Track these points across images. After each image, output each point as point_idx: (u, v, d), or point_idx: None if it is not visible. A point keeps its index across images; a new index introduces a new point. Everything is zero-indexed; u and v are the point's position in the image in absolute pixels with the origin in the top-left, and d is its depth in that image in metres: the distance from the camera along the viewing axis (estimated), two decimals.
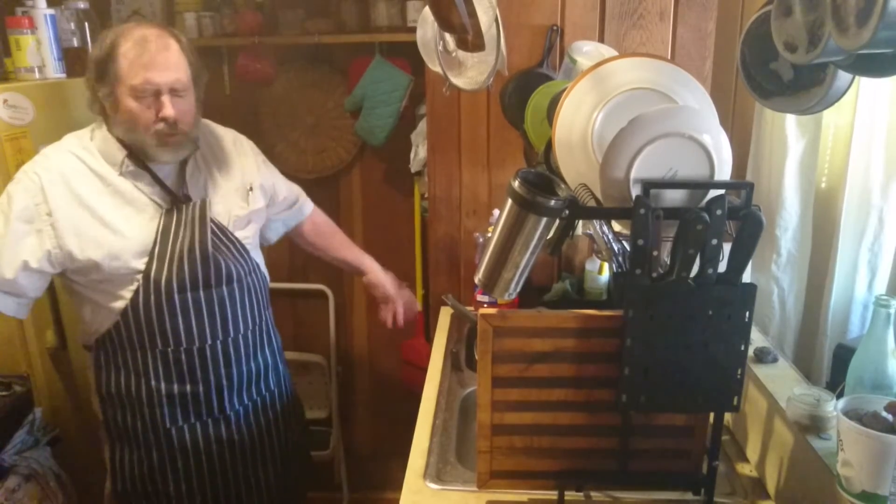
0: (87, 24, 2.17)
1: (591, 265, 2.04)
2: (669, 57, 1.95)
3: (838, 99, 1.06)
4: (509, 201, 1.07)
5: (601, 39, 1.97)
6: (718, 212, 1.01)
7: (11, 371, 1.85)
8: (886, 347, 1.12)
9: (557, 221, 1.08)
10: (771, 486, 1.28)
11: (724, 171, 1.06)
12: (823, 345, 1.63)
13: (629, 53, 1.40)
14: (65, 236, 1.47)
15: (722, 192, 1.03)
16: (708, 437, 1.18)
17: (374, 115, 2.43)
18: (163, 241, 1.53)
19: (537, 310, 1.22)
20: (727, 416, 1.44)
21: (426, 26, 1.52)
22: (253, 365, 1.70)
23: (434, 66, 1.52)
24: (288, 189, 1.88)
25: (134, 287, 1.52)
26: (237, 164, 1.71)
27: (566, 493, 1.22)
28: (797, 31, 0.92)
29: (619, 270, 1.71)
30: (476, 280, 1.16)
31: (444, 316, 2.13)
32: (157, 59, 1.44)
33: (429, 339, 2.43)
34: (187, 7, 2.41)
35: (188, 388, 1.61)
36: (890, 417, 1.00)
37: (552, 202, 1.05)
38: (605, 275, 2.02)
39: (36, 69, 1.96)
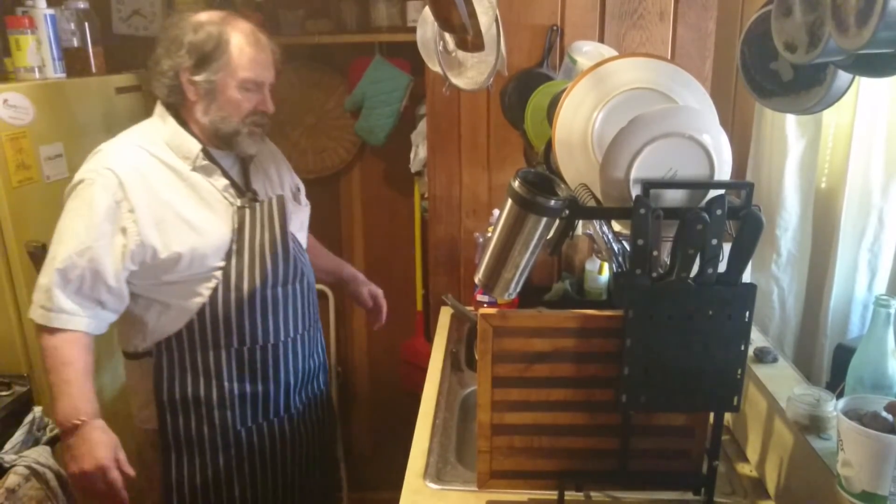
0: (87, 24, 2.17)
1: (591, 265, 2.04)
2: (669, 57, 1.95)
3: (838, 99, 1.06)
4: (509, 201, 1.07)
5: (601, 39, 1.97)
6: (718, 212, 1.01)
7: (11, 371, 1.85)
8: (886, 347, 1.12)
9: (557, 221, 1.08)
10: (771, 486, 1.28)
11: (724, 171, 1.06)
12: (823, 345, 1.63)
13: (629, 53, 1.41)
14: (148, 233, 1.44)
15: (722, 192, 1.03)
16: (708, 437, 1.18)
17: (374, 115, 2.43)
18: (240, 238, 1.52)
19: (537, 310, 1.22)
20: (727, 416, 1.44)
21: (426, 26, 1.52)
22: (310, 363, 1.72)
23: (434, 66, 1.52)
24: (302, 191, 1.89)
25: (212, 285, 1.51)
26: (284, 166, 1.75)
27: (566, 493, 1.22)
28: (797, 31, 0.92)
29: (619, 270, 1.72)
30: (476, 280, 1.16)
31: (444, 316, 2.13)
32: (266, 57, 1.51)
33: (429, 339, 2.43)
34: (187, 7, 2.41)
35: (259, 387, 1.60)
36: (890, 417, 1.00)
37: (552, 202, 1.05)
38: (605, 275, 2.02)
39: (36, 69, 1.96)
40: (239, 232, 1.52)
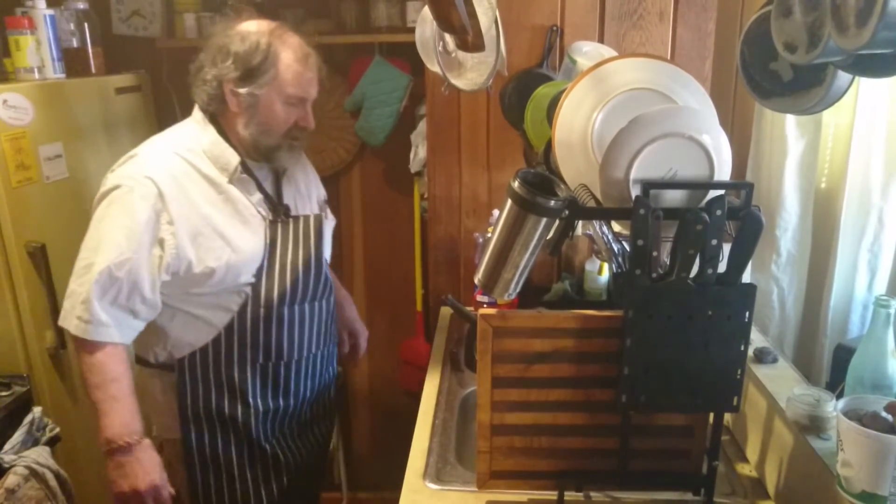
0: (86, 24, 2.17)
1: (591, 265, 2.04)
2: (669, 57, 1.95)
3: (838, 99, 1.06)
4: (509, 202, 1.07)
5: (601, 40, 1.97)
6: (718, 212, 1.01)
7: (11, 371, 1.85)
8: (886, 348, 1.12)
9: (557, 222, 1.08)
10: (771, 487, 1.28)
11: (723, 172, 1.06)
12: (823, 345, 1.63)
13: (629, 54, 1.41)
14: (185, 246, 1.41)
15: (722, 192, 1.03)
16: (708, 437, 1.18)
17: (373, 115, 2.43)
18: (271, 254, 1.50)
19: (537, 310, 1.22)
20: (727, 416, 1.44)
21: (425, 26, 1.52)
22: (326, 376, 1.72)
23: (433, 66, 1.52)
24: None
25: (241, 300, 1.48)
26: (313, 177, 1.73)
27: (566, 493, 1.22)
28: (797, 32, 0.92)
29: (619, 270, 1.72)
30: (476, 280, 1.16)
31: (444, 316, 2.13)
32: (313, 74, 1.49)
33: (429, 339, 2.43)
34: (187, 7, 2.41)
35: (281, 402, 1.59)
36: (890, 418, 1.00)
37: (552, 202, 1.05)
38: (605, 275, 2.02)
39: (35, 69, 1.96)
40: (271, 248, 1.50)
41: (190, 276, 1.43)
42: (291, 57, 1.45)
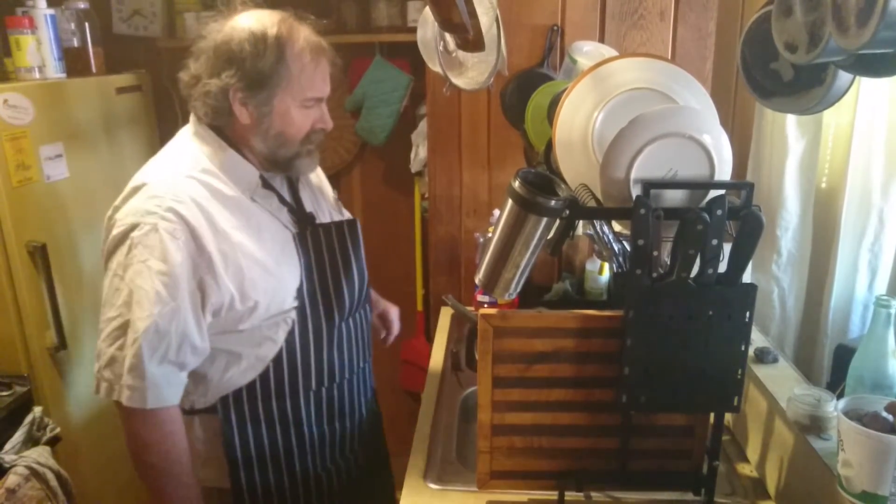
0: (87, 24, 2.17)
1: (592, 265, 2.04)
2: (670, 57, 1.95)
3: (839, 99, 1.06)
4: (509, 201, 1.07)
5: (601, 39, 1.97)
6: (719, 212, 1.01)
7: (11, 371, 1.85)
8: (887, 348, 1.12)
9: (557, 221, 1.08)
10: (771, 487, 1.27)
11: (724, 172, 1.06)
12: (824, 345, 1.63)
13: (629, 53, 1.41)
14: (226, 283, 1.23)
15: (722, 192, 1.03)
16: (708, 437, 1.18)
17: (374, 114, 2.43)
18: (308, 271, 1.34)
19: (537, 310, 1.22)
20: (727, 416, 1.44)
21: (426, 26, 1.52)
22: (370, 386, 1.57)
23: (434, 66, 1.52)
24: None
25: (288, 327, 1.32)
26: (323, 177, 1.58)
27: (566, 493, 1.22)
28: (797, 31, 0.92)
29: (620, 270, 1.71)
30: (476, 280, 1.16)
31: (444, 316, 2.13)
32: (326, 68, 1.31)
33: (429, 339, 2.43)
34: (187, 7, 2.41)
35: (336, 425, 1.45)
36: (890, 418, 1.00)
37: (552, 202, 1.05)
38: (606, 275, 2.02)
39: (36, 69, 1.96)
40: (305, 263, 1.34)
41: (232, 313, 1.26)
42: (305, 57, 1.26)
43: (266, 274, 1.28)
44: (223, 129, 1.31)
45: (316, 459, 1.43)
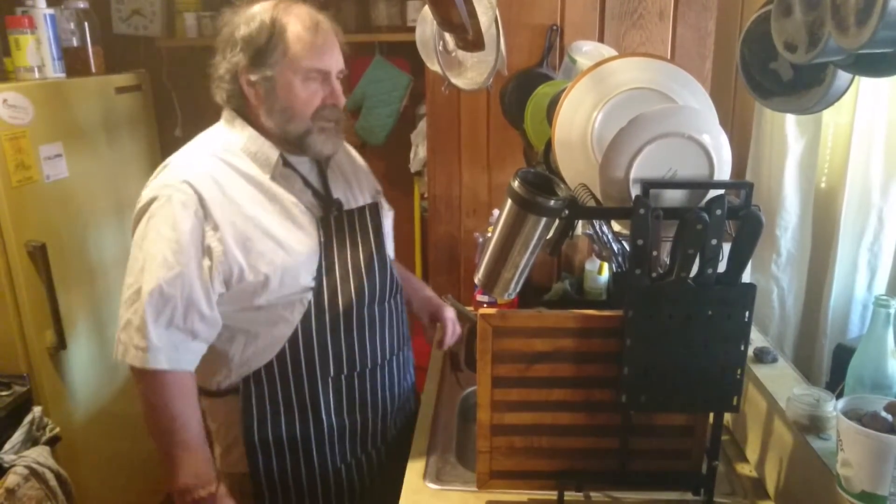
0: (86, 23, 2.17)
1: (591, 265, 2.04)
2: (669, 57, 1.94)
3: (838, 99, 1.06)
4: (509, 201, 1.07)
5: (601, 39, 1.97)
6: (718, 212, 1.01)
7: (11, 371, 1.85)
8: (886, 347, 1.12)
9: (557, 221, 1.08)
10: (771, 486, 1.28)
11: (723, 171, 1.06)
12: (823, 345, 1.63)
13: (629, 53, 1.40)
14: (233, 251, 1.27)
15: (721, 192, 1.03)
16: (708, 437, 1.18)
17: (374, 114, 2.44)
18: (328, 253, 1.35)
19: (537, 310, 1.22)
20: (727, 416, 1.44)
21: (425, 26, 1.52)
22: (404, 385, 1.55)
23: (433, 65, 1.52)
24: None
25: (303, 308, 1.33)
26: (360, 167, 1.58)
27: (566, 493, 1.22)
28: (797, 31, 0.92)
29: (619, 270, 1.72)
30: (476, 280, 1.16)
31: None
32: (329, 42, 1.33)
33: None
34: (187, 7, 2.42)
35: (358, 417, 1.43)
36: (889, 417, 1.00)
37: (552, 202, 1.05)
38: (605, 275, 2.02)
39: (35, 69, 1.96)
40: (326, 247, 1.35)
41: (244, 286, 1.29)
42: (299, 26, 1.30)
43: (278, 249, 1.30)
44: (241, 112, 1.36)
45: (335, 450, 1.42)
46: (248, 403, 1.35)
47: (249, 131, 1.34)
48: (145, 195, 1.29)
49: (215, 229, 1.26)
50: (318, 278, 1.34)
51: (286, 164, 1.35)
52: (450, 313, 1.67)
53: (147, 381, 1.26)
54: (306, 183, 1.38)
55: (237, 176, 1.31)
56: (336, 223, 1.38)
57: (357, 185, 1.50)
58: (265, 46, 1.28)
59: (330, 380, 1.38)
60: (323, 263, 1.35)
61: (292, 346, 1.34)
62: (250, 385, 1.35)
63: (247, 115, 1.36)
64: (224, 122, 1.38)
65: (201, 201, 1.26)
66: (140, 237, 1.28)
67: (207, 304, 1.27)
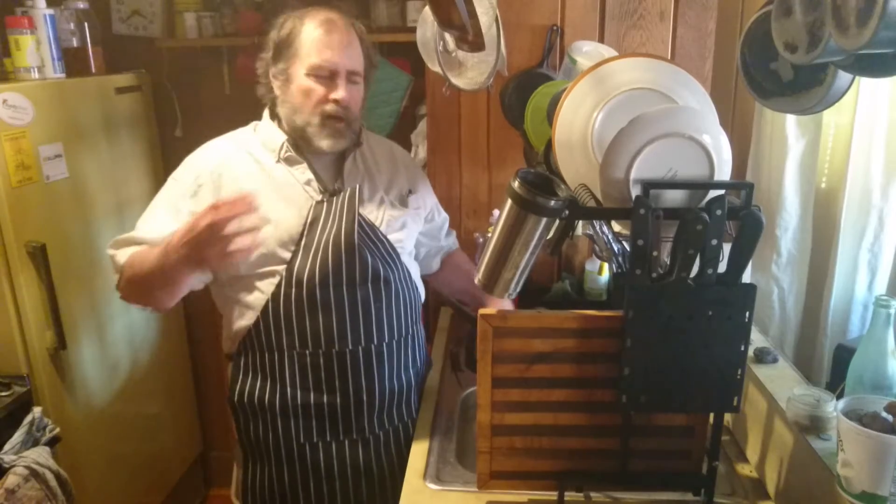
0: (86, 24, 2.17)
1: (591, 265, 2.04)
2: (669, 57, 1.95)
3: (838, 99, 1.06)
4: (509, 201, 1.07)
5: (601, 39, 1.97)
6: (718, 212, 1.01)
7: (11, 371, 1.85)
8: (886, 348, 1.12)
9: (557, 222, 1.08)
10: (771, 487, 1.28)
11: (724, 172, 1.06)
12: (823, 345, 1.64)
13: (629, 53, 1.40)
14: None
15: (722, 192, 1.03)
16: (708, 437, 1.18)
17: (374, 115, 2.43)
18: (310, 233, 1.44)
19: (537, 310, 1.22)
20: (727, 417, 1.44)
21: (426, 26, 1.52)
22: (396, 382, 1.55)
23: (434, 66, 1.52)
24: (440, 213, 1.77)
25: (276, 280, 1.44)
26: (399, 171, 1.63)
27: (566, 493, 1.22)
28: (797, 32, 0.92)
29: (619, 271, 1.71)
30: (476, 280, 1.16)
31: (444, 316, 2.13)
32: (339, 41, 1.43)
33: (429, 339, 2.43)
34: (187, 7, 2.41)
35: (325, 398, 1.47)
36: (890, 418, 1.00)
37: (552, 202, 1.05)
38: (605, 275, 2.02)
39: (35, 69, 1.96)
40: (311, 226, 1.44)
41: None
42: (313, 25, 1.42)
43: (256, 220, 1.30)
44: (273, 108, 1.51)
45: (300, 426, 1.49)
46: (236, 366, 1.52)
47: (266, 120, 1.52)
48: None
49: (208, 193, 1.42)
50: (294, 254, 1.44)
51: (294, 148, 1.47)
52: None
53: (120, 260, 1.45)
54: (311, 168, 1.48)
55: (244, 155, 1.48)
56: (326, 206, 1.46)
57: (381, 184, 1.57)
58: (284, 42, 1.43)
59: (295, 354, 1.46)
60: (302, 241, 1.44)
61: (264, 316, 1.45)
62: (238, 350, 1.51)
63: (276, 109, 1.50)
64: (264, 117, 1.54)
65: (203, 170, 1.45)
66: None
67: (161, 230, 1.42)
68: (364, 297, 1.47)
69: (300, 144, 1.48)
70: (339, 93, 1.42)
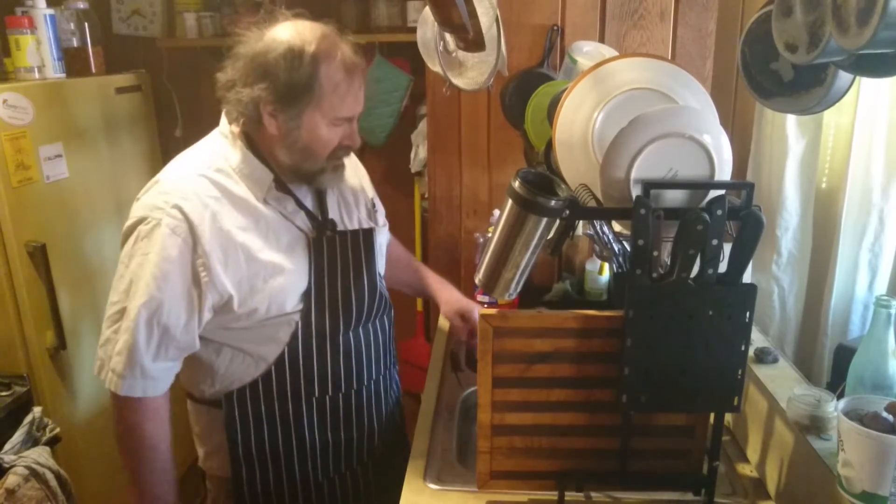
0: (86, 24, 2.17)
1: (592, 265, 2.04)
2: (670, 57, 1.95)
3: (839, 99, 1.06)
4: (509, 201, 1.07)
5: (601, 39, 1.97)
6: (719, 212, 1.01)
7: (11, 371, 1.85)
8: (887, 348, 1.12)
9: (558, 222, 1.08)
10: (771, 487, 1.27)
11: (724, 172, 1.06)
12: (824, 345, 1.64)
13: (629, 53, 1.40)
14: (222, 280, 1.24)
15: (722, 192, 1.03)
16: (708, 437, 1.18)
17: (374, 115, 2.43)
18: (318, 277, 1.34)
19: (537, 310, 1.22)
20: (727, 417, 1.44)
21: (426, 26, 1.52)
22: (391, 401, 1.55)
23: (434, 66, 1.52)
24: (381, 208, 1.64)
25: (291, 329, 1.33)
26: (356, 180, 1.53)
27: (566, 493, 1.22)
28: (798, 32, 0.92)
29: (620, 270, 1.71)
30: (476, 280, 1.16)
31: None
32: (360, 86, 1.30)
33: (429, 340, 2.43)
34: (187, 7, 2.42)
35: (342, 435, 1.43)
36: (890, 418, 0.99)
37: (552, 202, 1.04)
38: (606, 275, 2.02)
39: (35, 69, 1.96)
40: (317, 269, 1.33)
41: (233, 314, 1.28)
42: (339, 76, 1.25)
43: (267, 274, 1.28)
44: (251, 135, 1.32)
45: (317, 465, 1.42)
46: (232, 419, 1.35)
47: (244, 153, 1.30)
48: (134, 212, 1.27)
49: (204, 256, 1.23)
50: (307, 300, 1.33)
51: (279, 187, 1.32)
52: (476, 313, 1.61)
53: (121, 404, 1.28)
54: (299, 204, 1.35)
55: (226, 200, 1.28)
56: (328, 244, 1.36)
57: (353, 201, 1.48)
58: (300, 88, 1.23)
59: (314, 400, 1.38)
60: (312, 286, 1.33)
61: (278, 366, 1.34)
62: (233, 402, 1.35)
63: (257, 137, 1.31)
64: (221, 136, 1.34)
65: (191, 228, 1.22)
66: (127, 256, 1.26)
67: (186, 332, 1.26)
68: (374, 331, 1.45)
69: (284, 179, 1.33)
70: (356, 139, 1.34)
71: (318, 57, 1.23)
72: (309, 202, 1.37)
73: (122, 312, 1.24)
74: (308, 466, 1.42)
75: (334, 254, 1.36)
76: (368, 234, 1.42)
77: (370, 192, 1.57)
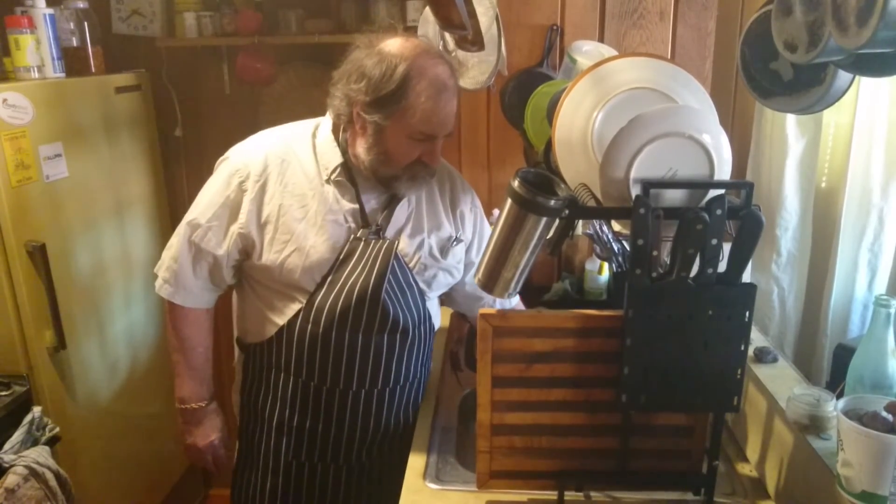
0: (86, 23, 2.17)
1: (591, 265, 2.04)
2: (669, 56, 1.95)
3: (838, 98, 1.06)
4: (509, 201, 1.07)
5: (601, 39, 1.97)
6: (718, 211, 1.01)
7: (11, 371, 1.85)
8: (886, 347, 1.12)
9: (557, 221, 1.08)
10: (771, 486, 1.27)
11: (724, 171, 1.06)
12: (823, 345, 1.64)
13: (629, 53, 1.41)
14: (255, 229, 1.40)
15: (722, 191, 1.03)
16: (708, 437, 1.18)
17: None
18: (340, 269, 1.41)
19: (537, 310, 1.22)
20: (727, 416, 1.44)
21: (426, 26, 1.52)
22: (393, 421, 1.54)
23: None
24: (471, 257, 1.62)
25: (295, 308, 1.43)
26: (450, 215, 1.55)
27: (566, 493, 1.22)
28: (797, 31, 0.92)
29: (619, 270, 1.72)
30: (476, 280, 1.16)
31: (445, 316, 2.12)
32: (446, 111, 1.36)
33: None
34: (187, 7, 2.41)
35: (320, 426, 1.50)
36: (890, 417, 1.00)
37: (552, 202, 1.05)
38: (605, 275, 2.02)
39: (35, 69, 1.96)
40: (342, 262, 1.41)
41: (250, 264, 1.44)
42: (427, 92, 1.31)
43: (291, 244, 1.40)
44: (344, 127, 1.43)
45: (290, 444, 1.51)
46: (247, 367, 1.55)
47: (328, 134, 1.44)
48: (227, 152, 1.47)
49: (250, 204, 1.39)
50: (318, 287, 1.42)
51: (346, 174, 1.42)
52: None
53: (169, 307, 1.51)
54: (358, 198, 1.42)
55: (295, 167, 1.42)
56: (363, 246, 1.41)
57: (428, 226, 1.50)
58: (388, 97, 1.32)
59: (301, 382, 1.47)
60: (330, 276, 1.41)
61: (277, 339, 1.46)
62: (249, 352, 1.53)
63: (348, 132, 1.42)
64: (323, 120, 1.48)
65: (250, 176, 1.40)
66: (208, 182, 1.47)
67: (216, 261, 1.44)
68: (378, 345, 1.46)
69: (353, 169, 1.42)
70: (436, 158, 1.40)
71: (410, 72, 1.31)
72: (374, 202, 1.44)
73: (183, 224, 1.46)
74: (282, 440, 1.52)
75: (362, 256, 1.42)
76: (390, 247, 1.42)
77: (462, 233, 1.56)
